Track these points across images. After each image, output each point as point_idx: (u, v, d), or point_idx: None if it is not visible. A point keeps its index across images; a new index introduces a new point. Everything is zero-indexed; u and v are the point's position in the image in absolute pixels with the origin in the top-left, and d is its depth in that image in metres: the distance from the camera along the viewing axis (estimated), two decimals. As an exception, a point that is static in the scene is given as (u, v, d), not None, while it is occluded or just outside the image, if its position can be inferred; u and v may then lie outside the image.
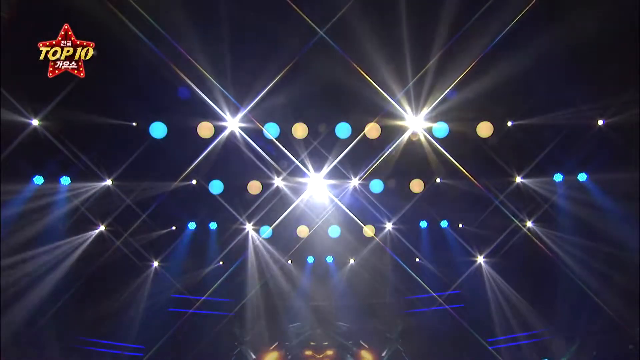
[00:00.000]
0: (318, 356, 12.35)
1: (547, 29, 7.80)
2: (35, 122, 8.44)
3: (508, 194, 10.14)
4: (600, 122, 9.06)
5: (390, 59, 8.26)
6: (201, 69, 8.09)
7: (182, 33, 7.75)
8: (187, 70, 8.09)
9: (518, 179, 10.07)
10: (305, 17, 7.84)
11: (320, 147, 9.51)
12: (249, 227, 10.91)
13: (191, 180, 9.90)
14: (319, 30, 7.88)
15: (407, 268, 11.21)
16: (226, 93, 8.49)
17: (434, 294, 11.21)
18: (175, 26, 7.68)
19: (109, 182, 9.61)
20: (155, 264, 11.20)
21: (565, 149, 9.44)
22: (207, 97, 8.49)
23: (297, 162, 9.56)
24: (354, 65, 8.22)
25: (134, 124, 8.95)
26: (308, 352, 12.31)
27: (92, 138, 8.99)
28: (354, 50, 8.15)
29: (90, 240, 10.09)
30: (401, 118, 8.96)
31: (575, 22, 7.66)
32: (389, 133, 9.27)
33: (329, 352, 12.39)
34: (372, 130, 9.15)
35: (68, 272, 9.74)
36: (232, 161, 9.50)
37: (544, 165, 9.70)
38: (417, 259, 11.50)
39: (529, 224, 10.59)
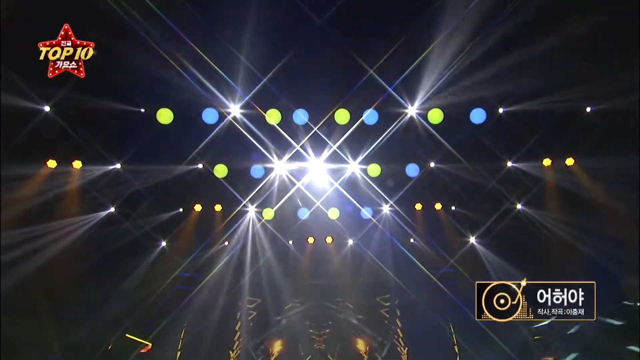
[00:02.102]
0: (318, 334, 12.80)
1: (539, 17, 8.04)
2: (47, 109, 8.85)
3: (500, 178, 10.49)
4: (588, 109, 9.34)
5: (387, 46, 8.56)
6: (204, 56, 8.40)
7: (186, 21, 8.05)
8: (191, 57, 8.40)
9: (509, 164, 10.42)
10: (303, 5, 8.13)
11: (320, 132, 9.86)
12: (251, 209, 11.34)
13: (197, 164, 10.34)
14: (316, 19, 8.18)
15: (402, 248, 11.61)
16: (229, 80, 8.83)
17: (429, 273, 11.59)
18: (179, 13, 7.97)
19: (118, 165, 10.05)
20: (163, 243, 11.70)
21: (555, 134, 9.73)
22: (211, 84, 8.84)
23: (297, 147, 9.93)
24: (352, 53, 8.54)
25: (142, 110, 9.34)
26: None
27: (103, 124, 9.40)
28: (352, 38, 8.44)
29: (99, 220, 10.54)
30: (398, 104, 9.28)
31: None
32: (387, 119, 9.62)
33: (328, 331, 12.83)
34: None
35: (78, 250, 10.16)
36: (235, 146, 9.89)
37: (534, 150, 10.00)
38: (411, 240, 11.95)
39: (519, 206, 10.98)
